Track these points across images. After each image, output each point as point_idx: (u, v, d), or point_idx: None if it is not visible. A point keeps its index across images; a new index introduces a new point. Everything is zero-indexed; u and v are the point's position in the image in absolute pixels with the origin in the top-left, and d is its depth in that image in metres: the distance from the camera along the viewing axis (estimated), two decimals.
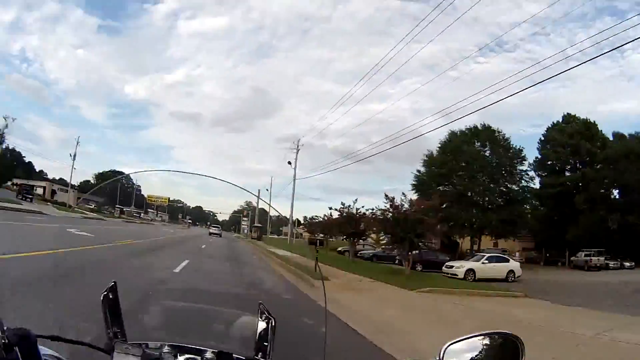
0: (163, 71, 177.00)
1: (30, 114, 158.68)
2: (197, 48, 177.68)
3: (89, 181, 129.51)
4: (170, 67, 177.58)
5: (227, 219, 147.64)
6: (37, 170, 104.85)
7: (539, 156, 53.21)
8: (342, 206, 31.33)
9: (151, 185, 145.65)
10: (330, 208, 33.28)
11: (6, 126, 66.61)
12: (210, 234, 55.63)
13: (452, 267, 26.89)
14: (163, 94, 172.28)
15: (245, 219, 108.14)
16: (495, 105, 30.56)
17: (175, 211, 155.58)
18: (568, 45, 63.82)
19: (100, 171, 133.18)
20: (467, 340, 1.24)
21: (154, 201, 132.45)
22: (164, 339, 1.58)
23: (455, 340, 1.22)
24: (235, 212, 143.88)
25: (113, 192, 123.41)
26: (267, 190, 64.12)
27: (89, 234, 18.00)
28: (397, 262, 27.93)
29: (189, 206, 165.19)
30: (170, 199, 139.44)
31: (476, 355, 1.23)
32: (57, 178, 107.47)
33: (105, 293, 1.41)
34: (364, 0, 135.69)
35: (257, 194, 61.39)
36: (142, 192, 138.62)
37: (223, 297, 6.44)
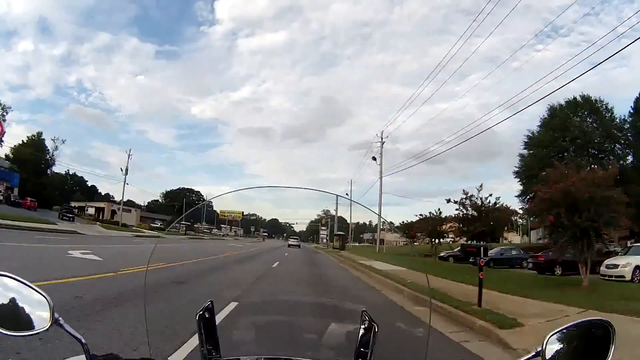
0: (228, 90, 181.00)
1: (95, 141, 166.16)
2: (261, 64, 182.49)
3: (157, 200, 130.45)
4: (236, 85, 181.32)
5: (305, 229, 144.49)
6: (104, 194, 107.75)
7: None
8: (465, 197, 23.46)
9: (224, 201, 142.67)
10: (449, 200, 25.60)
11: (55, 148, 68.80)
12: (290, 245, 56.16)
13: (615, 266, 19.16)
14: (231, 111, 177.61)
15: (323, 228, 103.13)
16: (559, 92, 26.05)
17: (250, 225, 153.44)
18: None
19: (168, 189, 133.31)
20: (565, 330, 1.25)
21: (226, 216, 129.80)
22: (259, 353, 1.58)
23: (555, 331, 1.22)
24: (312, 222, 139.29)
25: (181, 210, 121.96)
26: (346, 195, 59.30)
27: (97, 257, 13.83)
28: (471, 261, 20.91)
29: (264, 219, 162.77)
30: (244, 213, 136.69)
31: (574, 343, 1.26)
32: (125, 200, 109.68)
33: (201, 312, 1.44)
34: (417, 1, 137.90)
35: (335, 198, 54.57)
36: (213, 208, 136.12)
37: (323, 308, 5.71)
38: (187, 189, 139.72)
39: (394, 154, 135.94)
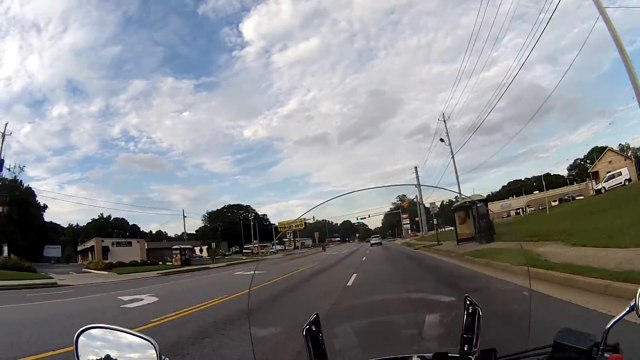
0: (275, 106, 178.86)
1: (154, 184, 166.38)
2: (301, 74, 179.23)
3: (206, 226, 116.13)
4: (282, 100, 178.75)
5: (380, 225, 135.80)
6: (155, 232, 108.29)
7: None
8: None
9: (294, 215, 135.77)
10: None
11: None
12: (372, 244, 57.14)
13: None
14: (283, 126, 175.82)
15: (404, 217, 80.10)
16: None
17: (319, 232, 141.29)
18: None
19: (212, 210, 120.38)
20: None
21: (286, 228, 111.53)
22: (366, 357, 1.61)
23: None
24: (388, 213, 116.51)
25: (232, 229, 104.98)
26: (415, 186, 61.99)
27: None
28: None
29: (336, 224, 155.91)
30: (310, 221, 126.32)
31: None
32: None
33: (308, 326, 1.45)
34: None
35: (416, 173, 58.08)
36: (269, 222, 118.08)
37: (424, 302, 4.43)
38: (234, 205, 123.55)
39: (451, 131, 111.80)
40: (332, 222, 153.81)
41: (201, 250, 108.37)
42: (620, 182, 37.59)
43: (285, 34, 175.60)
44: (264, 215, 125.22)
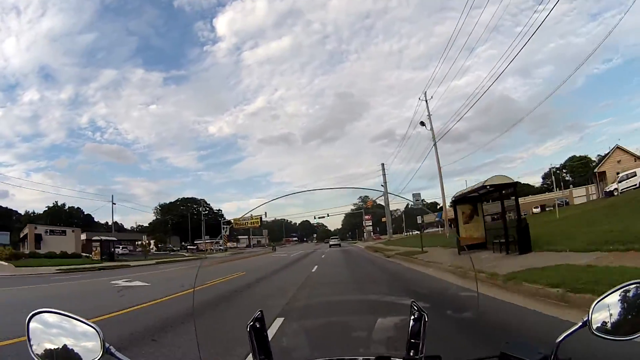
0: (242, 103, 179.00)
1: (118, 176, 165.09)
2: (270, 73, 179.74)
3: (157, 219, 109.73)
4: (249, 97, 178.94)
5: (340, 226, 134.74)
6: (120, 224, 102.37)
7: None
8: None
9: (254, 213, 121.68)
10: None
11: None
12: (331, 245, 56.03)
13: None
14: (248, 124, 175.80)
15: (367, 219, 73.99)
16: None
17: (276, 231, 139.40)
18: None
19: (164, 202, 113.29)
20: (611, 295, 1.22)
21: (241, 225, 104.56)
22: (311, 357, 1.70)
23: (600, 298, 1.21)
24: (349, 213, 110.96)
25: (185, 224, 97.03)
26: (381, 186, 56.65)
27: None
28: None
29: (295, 223, 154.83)
30: (268, 220, 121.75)
31: (623, 310, 1.21)
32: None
33: (252, 323, 1.44)
34: None
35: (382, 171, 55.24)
36: (225, 218, 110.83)
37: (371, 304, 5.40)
38: (188, 198, 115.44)
39: (417, 137, 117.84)
40: (291, 222, 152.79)
41: (149, 245, 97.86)
42: (635, 184, 31.99)
43: (258, 32, 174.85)
44: (219, 210, 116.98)
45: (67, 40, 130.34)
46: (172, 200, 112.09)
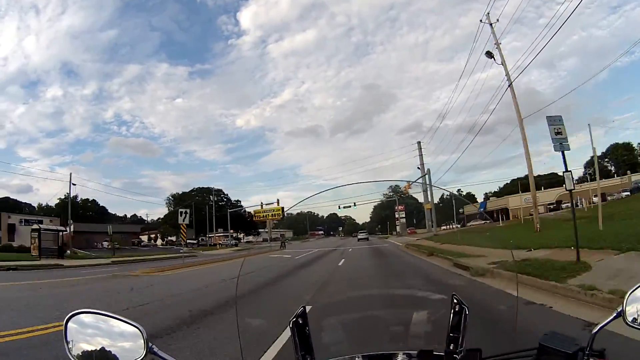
0: (269, 96, 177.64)
1: (144, 169, 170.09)
2: (296, 65, 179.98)
3: (170, 211, 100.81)
4: (276, 90, 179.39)
5: (369, 218, 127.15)
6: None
7: None
8: None
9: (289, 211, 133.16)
10: None
11: None
12: (359, 239, 53.84)
13: None
14: (275, 117, 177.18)
15: (400, 209, 63.70)
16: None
17: (300, 224, 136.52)
18: None
19: (177, 192, 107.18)
20: None
21: (262, 217, 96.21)
22: (353, 352, 1.59)
23: (634, 288, 1.21)
24: (378, 204, 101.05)
25: (199, 216, 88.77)
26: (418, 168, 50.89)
27: None
28: None
29: (322, 216, 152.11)
30: (292, 212, 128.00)
31: None
32: None
33: (295, 319, 1.46)
34: None
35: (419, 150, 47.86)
36: (243, 209, 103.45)
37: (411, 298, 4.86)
38: (204, 188, 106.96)
39: (444, 131, 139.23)
40: (317, 214, 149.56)
41: (150, 239, 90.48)
42: None
43: (282, 25, 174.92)
44: (237, 201, 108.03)
45: (88, 37, 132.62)
46: (187, 191, 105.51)
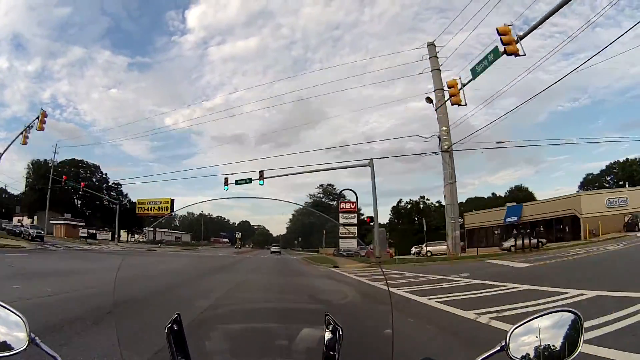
0: (200, 98, 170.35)
1: (69, 156, 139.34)
2: (233, 72, 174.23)
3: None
4: (208, 94, 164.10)
5: (285, 230, 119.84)
6: None
7: None
8: None
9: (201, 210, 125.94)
10: None
11: None
12: (272, 252, 52.71)
13: None
14: (204, 120, 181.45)
15: (348, 208, 42.45)
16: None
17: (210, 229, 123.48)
18: None
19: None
20: (529, 322, 1.26)
21: (147, 211, 72.31)
22: None
23: (518, 325, 1.25)
24: (301, 211, 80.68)
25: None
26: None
27: None
28: None
29: (234, 223, 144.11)
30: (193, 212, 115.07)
31: (540, 336, 1.26)
32: None
33: (170, 325, 1.44)
34: (389, 1, 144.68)
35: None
36: (125, 196, 78.90)
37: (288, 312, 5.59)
38: (79, 161, 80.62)
39: (370, 153, 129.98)
40: (226, 219, 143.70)
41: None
42: None
43: (226, 29, 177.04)
44: (117, 185, 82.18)
45: (44, 11, 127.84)
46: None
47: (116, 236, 52.58)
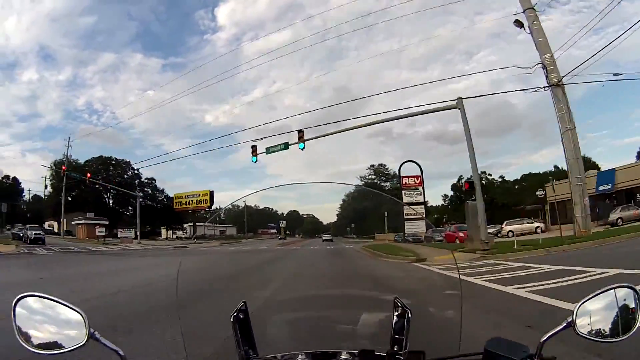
0: (239, 94, 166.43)
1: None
2: (269, 65, 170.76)
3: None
4: (246, 88, 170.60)
5: (335, 217, 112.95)
6: None
7: None
8: None
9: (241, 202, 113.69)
10: None
11: None
12: (324, 240, 49.93)
13: None
14: (245, 115, 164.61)
15: (412, 183, 33.09)
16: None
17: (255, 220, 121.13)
18: None
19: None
20: (593, 298, 1.28)
21: (184, 205, 66.70)
22: (296, 348, 1.61)
23: (583, 301, 1.26)
24: (352, 195, 71.44)
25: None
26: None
27: None
28: None
29: (282, 213, 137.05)
30: (237, 205, 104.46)
31: (602, 312, 1.28)
32: None
33: (235, 314, 1.47)
34: None
35: None
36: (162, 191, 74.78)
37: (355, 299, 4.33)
38: (107, 158, 76.59)
39: (415, 137, 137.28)
40: (273, 210, 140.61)
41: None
42: None
43: (258, 24, 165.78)
44: (151, 180, 77.72)
45: (68, 22, 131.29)
46: (171, 190, 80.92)
47: (138, 233, 46.55)
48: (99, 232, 47.50)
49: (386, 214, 54.42)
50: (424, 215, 32.85)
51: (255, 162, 30.94)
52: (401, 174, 37.74)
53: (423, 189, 35.46)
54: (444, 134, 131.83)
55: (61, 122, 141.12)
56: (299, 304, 4.32)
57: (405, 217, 31.65)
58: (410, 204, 31.18)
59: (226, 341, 3.77)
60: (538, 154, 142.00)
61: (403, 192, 33.05)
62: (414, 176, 36.49)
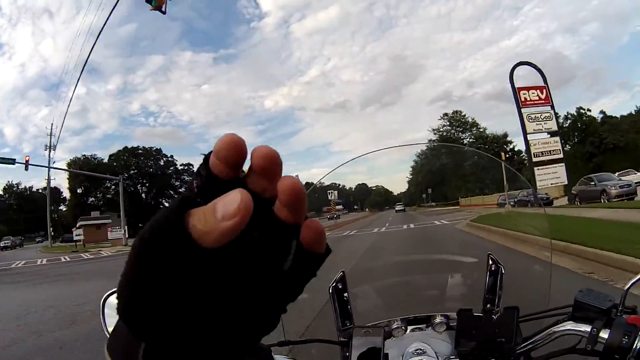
0: (296, 75, 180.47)
1: (175, 157, 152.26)
2: (321, 43, 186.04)
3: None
4: (302, 69, 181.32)
5: (406, 188, 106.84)
6: None
7: None
8: None
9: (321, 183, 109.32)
10: None
11: None
12: (397, 211, 47.21)
13: None
14: (303, 95, 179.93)
15: (538, 111, 18.25)
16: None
17: (316, 197, 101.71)
18: None
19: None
20: None
21: None
22: (390, 316, 1.54)
23: (632, 282, 1.19)
24: (423, 154, 56.11)
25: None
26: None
27: None
28: None
29: (350, 188, 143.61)
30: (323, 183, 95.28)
31: None
32: None
33: (334, 284, 1.45)
34: None
35: None
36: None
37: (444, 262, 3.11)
38: (138, 148, 67.60)
39: (473, 99, 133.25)
40: (341, 185, 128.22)
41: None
42: None
43: (303, 4, 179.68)
44: (188, 165, 68.48)
45: (106, 34, 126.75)
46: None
47: (125, 231, 34.09)
48: (111, 232, 37.18)
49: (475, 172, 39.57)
50: (562, 156, 17.98)
51: None
52: (515, 85, 20.85)
53: (553, 108, 20.06)
54: (503, 92, 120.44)
55: (117, 129, 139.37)
56: (384, 271, 3.32)
57: (535, 158, 17.43)
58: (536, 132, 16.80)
59: (321, 312, 3.45)
60: (597, 104, 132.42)
61: (523, 112, 18.46)
62: (535, 87, 20.85)
